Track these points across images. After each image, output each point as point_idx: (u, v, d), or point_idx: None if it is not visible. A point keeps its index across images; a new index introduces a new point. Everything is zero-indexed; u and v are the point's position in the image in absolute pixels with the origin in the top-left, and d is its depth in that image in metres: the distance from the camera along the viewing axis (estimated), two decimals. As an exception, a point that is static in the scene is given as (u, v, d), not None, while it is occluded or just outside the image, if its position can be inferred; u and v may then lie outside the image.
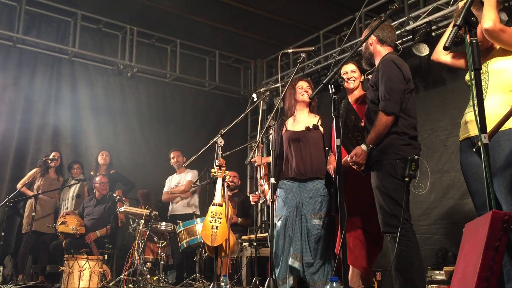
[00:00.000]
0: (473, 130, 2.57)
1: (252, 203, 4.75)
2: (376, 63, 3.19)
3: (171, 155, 6.64)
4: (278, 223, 3.78)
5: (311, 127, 3.92)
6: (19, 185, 5.99)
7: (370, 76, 3.02)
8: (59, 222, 5.81)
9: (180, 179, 6.49)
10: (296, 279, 3.73)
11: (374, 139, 2.98)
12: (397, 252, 2.75)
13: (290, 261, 3.63)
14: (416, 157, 2.91)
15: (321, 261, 3.66)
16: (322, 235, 3.68)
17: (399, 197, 2.86)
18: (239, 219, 6.02)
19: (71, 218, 5.90)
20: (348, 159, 3.05)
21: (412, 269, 2.79)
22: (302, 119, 4.00)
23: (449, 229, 5.46)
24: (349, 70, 3.74)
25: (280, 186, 3.91)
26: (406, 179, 2.87)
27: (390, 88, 2.94)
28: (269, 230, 3.55)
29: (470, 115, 2.65)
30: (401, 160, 2.91)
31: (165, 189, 6.61)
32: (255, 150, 4.05)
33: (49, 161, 6.15)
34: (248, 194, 7.93)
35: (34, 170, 6.21)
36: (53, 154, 6.29)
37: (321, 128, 3.93)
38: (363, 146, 2.99)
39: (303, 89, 3.99)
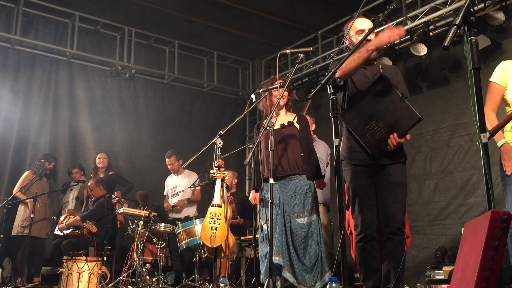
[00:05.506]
0: None
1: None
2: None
3: (166, 161, 6.46)
4: (265, 226, 3.70)
5: (286, 124, 3.88)
6: (16, 191, 5.92)
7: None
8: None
9: (178, 182, 6.45)
10: (283, 282, 3.68)
11: None
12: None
13: (274, 259, 3.53)
14: None
15: (313, 260, 3.61)
16: (307, 233, 3.63)
17: None
18: (242, 219, 6.00)
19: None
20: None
21: None
22: (279, 119, 3.96)
23: (451, 228, 5.46)
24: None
25: (263, 187, 3.84)
26: None
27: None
28: (268, 230, 3.51)
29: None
30: None
31: (165, 192, 6.59)
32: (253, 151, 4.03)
33: (46, 165, 6.11)
34: (247, 195, 7.93)
35: (27, 173, 6.12)
36: (51, 161, 6.23)
37: (297, 125, 3.89)
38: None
39: (279, 93, 3.89)
